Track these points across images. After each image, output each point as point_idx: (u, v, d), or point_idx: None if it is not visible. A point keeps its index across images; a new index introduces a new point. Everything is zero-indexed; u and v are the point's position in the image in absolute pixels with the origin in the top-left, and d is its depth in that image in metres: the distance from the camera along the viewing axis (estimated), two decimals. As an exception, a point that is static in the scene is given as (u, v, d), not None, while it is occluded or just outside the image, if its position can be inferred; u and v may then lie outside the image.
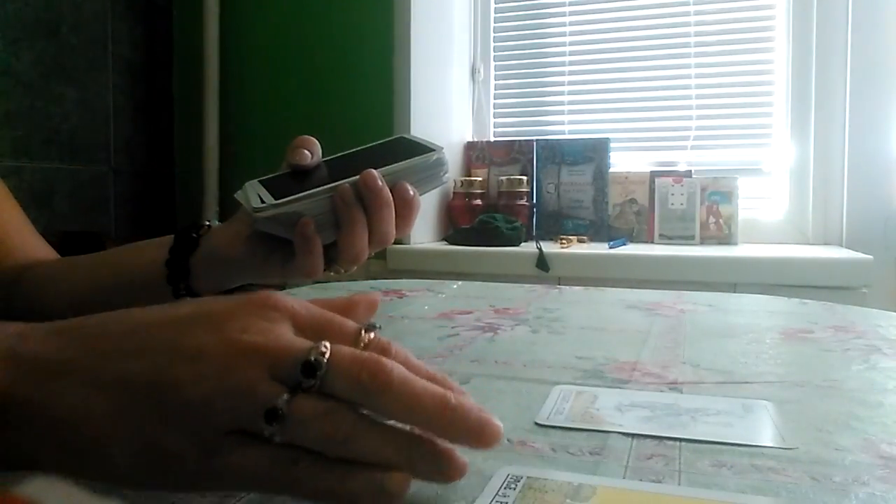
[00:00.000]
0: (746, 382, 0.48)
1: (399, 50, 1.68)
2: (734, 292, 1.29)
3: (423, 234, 1.75)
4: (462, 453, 0.27)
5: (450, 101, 1.88)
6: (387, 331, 0.65)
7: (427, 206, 1.78)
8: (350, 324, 0.31)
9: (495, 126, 1.98)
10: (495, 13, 1.95)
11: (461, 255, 1.60)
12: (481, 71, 1.96)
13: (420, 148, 0.52)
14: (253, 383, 0.27)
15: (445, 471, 0.28)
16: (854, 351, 0.58)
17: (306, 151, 0.53)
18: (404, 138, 0.55)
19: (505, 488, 0.30)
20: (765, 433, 0.38)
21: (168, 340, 0.28)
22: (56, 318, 0.33)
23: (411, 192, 0.50)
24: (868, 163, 1.55)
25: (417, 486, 0.30)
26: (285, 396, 0.27)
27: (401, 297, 0.87)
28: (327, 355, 0.27)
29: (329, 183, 0.48)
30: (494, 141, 1.93)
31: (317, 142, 0.54)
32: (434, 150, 0.51)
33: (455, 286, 0.98)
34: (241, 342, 0.28)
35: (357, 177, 0.48)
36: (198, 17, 1.81)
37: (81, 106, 1.66)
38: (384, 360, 0.28)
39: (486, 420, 0.28)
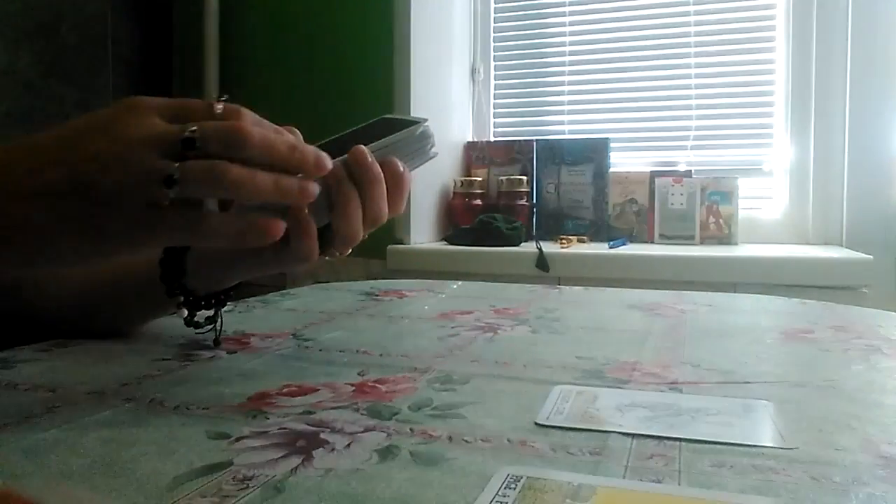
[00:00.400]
0: (746, 382, 0.48)
1: (399, 50, 1.68)
2: (734, 292, 1.29)
3: (423, 234, 1.75)
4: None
5: (450, 101, 1.88)
6: (387, 330, 0.65)
7: (427, 206, 1.78)
8: (202, 101, 0.40)
9: (495, 126, 1.98)
10: (495, 13, 1.95)
11: (461, 255, 1.60)
12: (481, 71, 1.96)
13: (405, 123, 0.51)
14: (150, 164, 0.37)
15: (301, 190, 0.41)
16: (854, 351, 0.58)
17: None
18: (388, 118, 0.54)
19: (505, 488, 0.30)
20: (765, 433, 0.38)
21: (73, 150, 0.38)
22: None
23: (401, 168, 0.49)
24: (868, 163, 1.55)
25: (417, 486, 0.30)
26: (176, 165, 0.37)
27: (401, 297, 0.87)
28: (196, 129, 0.38)
29: None
30: (494, 141, 1.93)
31: (297, 130, 0.52)
32: (419, 122, 0.50)
33: (455, 286, 0.98)
34: (131, 138, 0.38)
35: (346, 155, 0.47)
36: (198, 17, 1.81)
37: (81, 106, 1.66)
38: (241, 123, 0.39)
39: (320, 154, 0.42)
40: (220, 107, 0.40)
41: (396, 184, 0.49)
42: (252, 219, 0.40)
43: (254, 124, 0.41)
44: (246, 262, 0.53)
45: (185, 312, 0.54)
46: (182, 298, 0.54)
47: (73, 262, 0.41)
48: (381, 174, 0.47)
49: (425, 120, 0.50)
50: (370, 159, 0.47)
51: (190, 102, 0.41)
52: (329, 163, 0.42)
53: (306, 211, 0.47)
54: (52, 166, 0.38)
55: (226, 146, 0.38)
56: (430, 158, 0.52)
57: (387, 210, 0.48)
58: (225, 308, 0.57)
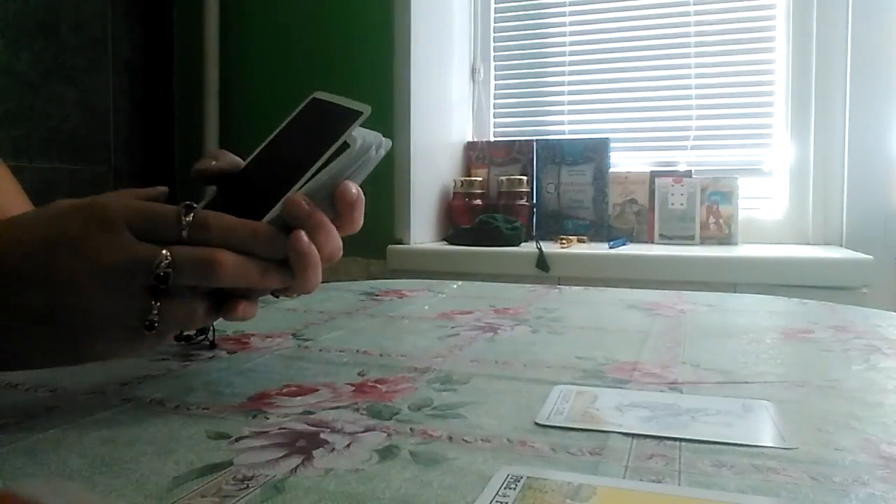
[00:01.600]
0: (746, 382, 0.48)
1: (399, 50, 1.68)
2: (734, 292, 1.29)
3: (423, 234, 1.75)
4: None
5: (450, 101, 1.88)
6: (387, 330, 0.65)
7: (427, 206, 1.78)
8: (169, 210, 0.39)
9: (495, 126, 1.98)
10: (495, 13, 1.95)
11: (461, 255, 1.60)
12: (481, 71, 1.96)
13: (338, 111, 0.44)
14: (129, 297, 0.37)
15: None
16: (854, 351, 0.58)
17: (212, 163, 0.47)
18: (318, 99, 0.47)
19: (505, 488, 0.30)
20: (765, 433, 0.38)
21: (47, 273, 0.37)
22: None
23: (353, 193, 0.44)
24: (868, 163, 1.55)
25: (417, 486, 0.30)
26: (155, 311, 0.37)
27: (401, 297, 0.87)
28: (169, 261, 0.37)
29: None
30: (494, 141, 1.93)
31: (225, 153, 0.48)
32: (354, 112, 0.43)
33: (455, 286, 0.98)
34: (106, 266, 0.36)
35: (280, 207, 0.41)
36: (198, 17, 1.81)
37: (81, 106, 1.66)
38: (214, 253, 0.38)
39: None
40: (187, 220, 0.39)
41: (353, 209, 0.44)
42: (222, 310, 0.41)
43: (225, 235, 0.39)
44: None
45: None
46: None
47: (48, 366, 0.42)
48: (323, 219, 0.42)
49: (360, 114, 0.43)
50: (307, 208, 0.42)
51: (157, 213, 0.39)
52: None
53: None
54: (27, 290, 0.36)
55: (200, 278, 0.38)
56: (382, 156, 0.46)
57: (340, 245, 0.45)
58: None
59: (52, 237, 0.37)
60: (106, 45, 1.73)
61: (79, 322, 0.37)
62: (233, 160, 0.47)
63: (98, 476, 0.31)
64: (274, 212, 0.41)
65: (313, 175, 0.42)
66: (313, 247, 0.42)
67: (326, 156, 0.43)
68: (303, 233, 0.42)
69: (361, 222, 0.46)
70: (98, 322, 0.37)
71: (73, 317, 0.37)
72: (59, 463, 0.32)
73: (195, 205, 0.40)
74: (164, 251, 0.37)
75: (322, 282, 0.45)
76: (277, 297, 0.47)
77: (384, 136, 0.46)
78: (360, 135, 0.44)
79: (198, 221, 0.39)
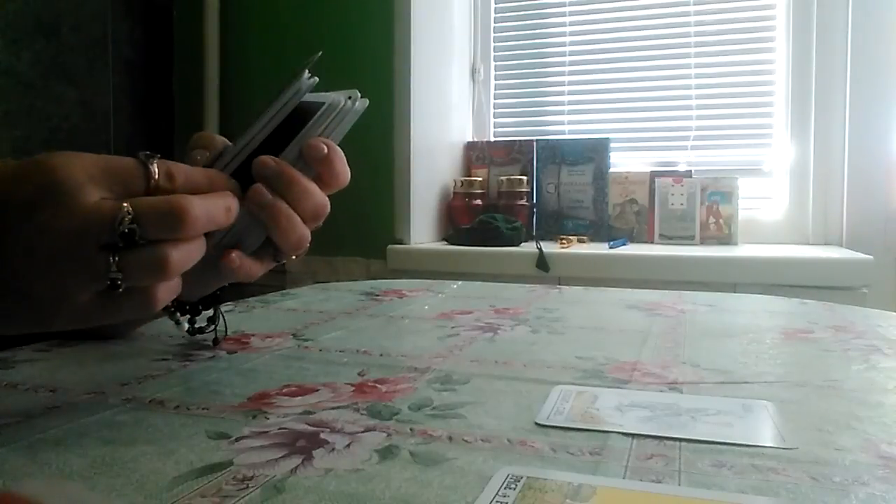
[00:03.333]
0: (746, 382, 0.48)
1: (399, 50, 1.68)
2: (734, 292, 1.29)
3: (423, 234, 1.75)
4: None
5: (450, 101, 1.88)
6: (387, 330, 0.65)
7: (427, 206, 1.78)
8: (129, 162, 0.37)
9: (495, 126, 1.98)
10: (495, 13, 1.95)
11: (461, 255, 1.60)
12: (481, 71, 1.96)
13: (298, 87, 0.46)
14: (89, 261, 0.35)
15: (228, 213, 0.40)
16: (854, 351, 0.58)
17: (198, 158, 0.47)
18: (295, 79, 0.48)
19: (505, 488, 0.30)
20: (765, 433, 0.38)
21: (1, 244, 0.35)
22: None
23: (324, 149, 0.44)
24: (868, 163, 1.55)
25: (417, 486, 0.30)
26: (115, 267, 0.35)
27: (401, 297, 0.87)
28: (132, 216, 0.35)
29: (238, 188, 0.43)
30: (494, 141, 1.93)
31: (215, 137, 0.49)
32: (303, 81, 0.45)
33: (455, 286, 0.98)
34: (63, 230, 0.35)
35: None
36: (198, 17, 1.81)
37: (81, 106, 1.66)
38: (180, 200, 0.37)
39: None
40: (154, 169, 0.37)
41: (327, 163, 0.44)
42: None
43: (187, 183, 0.39)
44: (216, 273, 0.48)
45: (185, 324, 0.53)
46: (173, 307, 0.52)
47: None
48: (294, 175, 0.43)
49: (303, 71, 0.45)
50: (274, 165, 0.43)
51: (121, 166, 0.37)
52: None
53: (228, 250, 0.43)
54: None
55: (167, 230, 0.36)
56: (360, 112, 0.47)
57: (325, 201, 0.45)
58: (226, 308, 0.56)
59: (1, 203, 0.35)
60: (106, 45, 1.73)
61: (40, 289, 0.35)
62: (220, 143, 0.48)
63: (98, 476, 0.31)
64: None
65: (264, 130, 0.43)
66: (280, 201, 0.43)
67: (277, 110, 0.44)
68: (262, 185, 0.42)
69: (347, 175, 0.46)
70: (61, 287, 0.36)
71: (30, 285, 0.35)
72: (59, 463, 0.32)
73: (151, 153, 0.38)
74: (124, 205, 0.35)
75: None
76: (278, 261, 0.47)
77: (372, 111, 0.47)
78: (334, 105, 0.45)
79: (164, 170, 0.38)
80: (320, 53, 0.46)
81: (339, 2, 1.75)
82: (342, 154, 0.45)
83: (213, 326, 0.56)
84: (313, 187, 0.44)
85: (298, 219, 0.44)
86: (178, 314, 0.53)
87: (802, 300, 0.87)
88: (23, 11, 1.52)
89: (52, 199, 0.35)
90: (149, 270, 0.36)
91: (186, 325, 0.54)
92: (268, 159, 0.43)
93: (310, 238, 0.46)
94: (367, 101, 0.47)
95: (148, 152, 0.38)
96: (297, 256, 0.47)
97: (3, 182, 0.36)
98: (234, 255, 0.43)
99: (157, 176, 0.37)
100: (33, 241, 0.35)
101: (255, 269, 0.44)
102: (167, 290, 0.38)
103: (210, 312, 0.56)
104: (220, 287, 0.55)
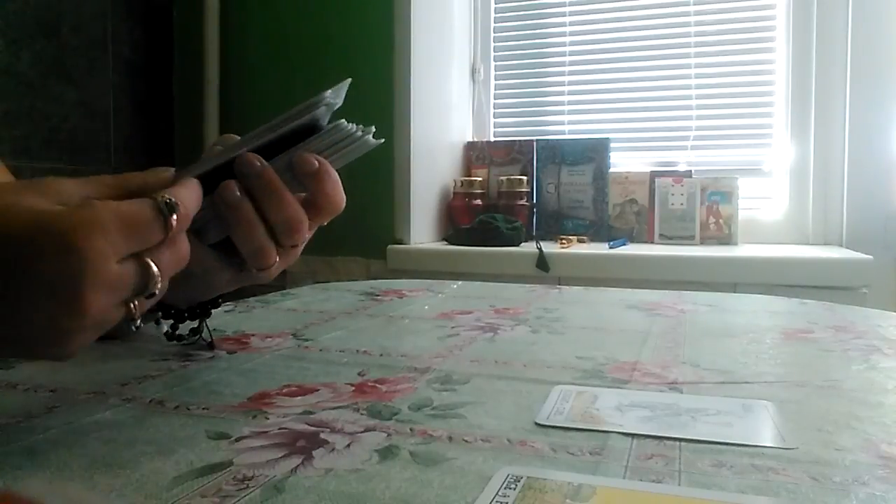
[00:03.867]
0: (746, 382, 0.48)
1: (399, 50, 1.68)
2: (734, 292, 1.29)
3: (423, 234, 1.75)
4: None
5: (450, 101, 1.88)
6: (387, 330, 0.65)
7: (427, 206, 1.78)
8: (150, 213, 0.35)
9: (495, 126, 1.98)
10: (495, 13, 1.95)
11: (461, 255, 1.60)
12: (481, 71, 1.96)
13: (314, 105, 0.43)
14: (113, 314, 0.34)
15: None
16: (854, 351, 0.58)
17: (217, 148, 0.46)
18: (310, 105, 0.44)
19: (505, 488, 0.30)
20: (765, 433, 0.38)
21: (14, 327, 0.33)
22: None
23: (315, 164, 0.42)
24: (868, 163, 1.55)
25: (417, 486, 0.30)
26: (135, 304, 0.35)
27: (401, 297, 0.87)
28: (158, 278, 0.35)
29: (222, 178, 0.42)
30: (494, 141, 1.93)
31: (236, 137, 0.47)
32: (316, 102, 0.42)
33: (455, 286, 0.98)
34: (90, 307, 0.32)
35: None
36: (198, 17, 1.81)
37: (81, 106, 1.66)
38: (185, 246, 0.37)
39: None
40: (173, 222, 0.36)
41: (317, 183, 0.43)
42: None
43: (187, 217, 0.38)
44: (209, 276, 0.49)
45: (166, 326, 0.54)
46: (159, 313, 0.53)
47: None
48: (275, 183, 0.42)
49: (325, 98, 0.42)
50: (258, 165, 0.41)
51: (140, 221, 0.34)
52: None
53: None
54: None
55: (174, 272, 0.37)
56: (371, 146, 0.45)
57: (300, 217, 0.43)
58: (225, 308, 0.56)
59: (23, 270, 0.32)
60: (106, 45, 1.73)
61: (28, 339, 0.34)
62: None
63: (98, 476, 0.31)
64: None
65: (268, 136, 0.42)
66: (247, 202, 0.41)
67: (284, 118, 0.42)
68: (234, 182, 0.41)
69: (340, 200, 0.44)
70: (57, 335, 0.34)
71: (20, 334, 0.33)
72: (59, 463, 0.32)
73: (173, 199, 0.36)
74: (153, 270, 0.35)
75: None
76: (242, 270, 0.46)
77: (386, 141, 0.47)
78: (340, 125, 0.44)
79: (181, 219, 0.36)
80: (349, 81, 0.44)
81: (339, 2, 1.75)
82: (337, 178, 0.44)
83: (197, 337, 0.56)
84: (291, 201, 0.42)
85: (262, 228, 0.42)
86: (161, 316, 0.53)
87: (802, 300, 0.87)
88: (23, 11, 1.52)
89: (79, 269, 0.32)
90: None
91: (165, 328, 0.54)
92: (253, 158, 0.42)
93: (275, 254, 0.43)
94: (381, 141, 0.46)
95: (166, 197, 0.36)
96: (264, 271, 0.44)
97: (12, 246, 0.32)
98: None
99: (174, 227, 0.36)
100: (54, 315, 0.33)
101: (207, 260, 0.44)
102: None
103: (195, 324, 0.55)
104: (212, 299, 0.54)
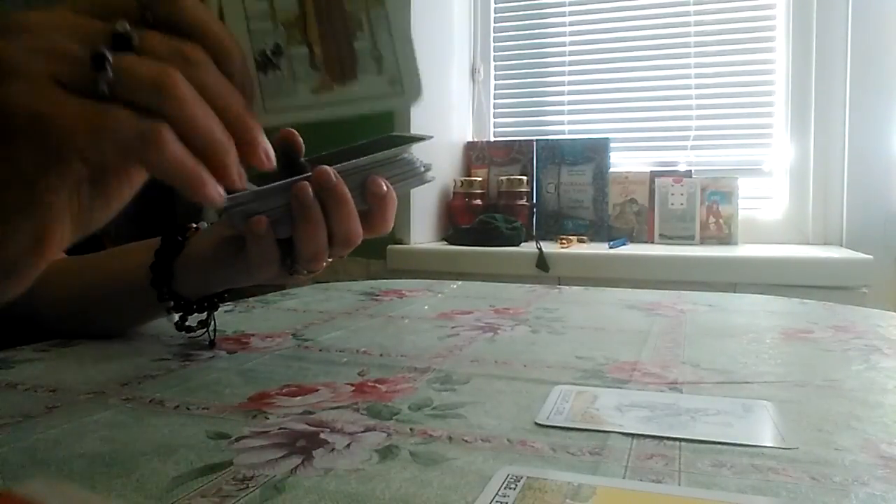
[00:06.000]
0: (746, 382, 0.48)
1: (399, 50, 1.67)
2: (734, 292, 1.29)
3: (423, 233, 1.75)
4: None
5: (450, 101, 1.88)
6: (387, 330, 0.65)
7: (427, 206, 1.78)
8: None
9: (495, 126, 1.98)
10: (495, 13, 1.95)
11: (461, 255, 1.60)
12: (481, 71, 1.96)
13: (403, 141, 0.50)
14: (71, 46, 0.29)
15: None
16: (854, 351, 0.58)
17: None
18: (394, 136, 0.53)
19: (505, 488, 0.30)
20: (765, 433, 0.38)
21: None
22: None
23: (383, 187, 0.46)
24: (868, 163, 1.55)
25: (417, 486, 0.30)
26: (105, 49, 0.29)
27: (401, 297, 0.87)
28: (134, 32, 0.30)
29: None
30: (494, 141, 1.94)
31: (297, 134, 0.49)
32: (416, 139, 0.49)
33: (455, 286, 0.98)
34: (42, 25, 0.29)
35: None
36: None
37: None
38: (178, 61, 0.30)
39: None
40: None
41: (379, 204, 0.47)
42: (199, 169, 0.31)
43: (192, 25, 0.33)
44: (230, 270, 0.52)
45: (176, 317, 0.55)
46: (172, 303, 0.55)
47: None
48: (347, 194, 0.45)
49: (426, 137, 0.50)
50: (334, 179, 0.44)
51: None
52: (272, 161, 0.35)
53: (264, 225, 0.44)
54: None
55: (176, 56, 0.31)
56: (426, 182, 0.51)
57: (359, 231, 0.46)
58: (225, 308, 0.57)
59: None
60: (106, 45, 1.73)
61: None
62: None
63: (98, 476, 0.31)
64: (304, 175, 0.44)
65: (351, 167, 0.46)
66: (317, 206, 0.44)
67: (372, 156, 0.47)
68: (308, 185, 0.44)
69: (390, 225, 0.48)
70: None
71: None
72: (59, 463, 0.32)
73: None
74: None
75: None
76: (291, 272, 0.49)
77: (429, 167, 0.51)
78: (412, 161, 0.49)
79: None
80: (432, 137, 0.50)
81: (339, 2, 1.75)
82: (396, 205, 0.48)
83: (204, 330, 0.57)
84: (356, 216, 0.46)
85: (326, 233, 0.45)
86: (173, 306, 0.54)
87: (802, 300, 0.87)
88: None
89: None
90: (148, 79, 0.30)
91: (176, 318, 0.55)
92: (330, 172, 0.44)
93: (327, 260, 0.47)
94: (433, 178, 0.51)
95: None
96: (309, 273, 0.49)
97: None
98: (265, 221, 0.44)
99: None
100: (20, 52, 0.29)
101: (271, 251, 0.45)
102: (176, 153, 0.30)
103: (203, 316, 0.56)
104: (218, 293, 0.56)
